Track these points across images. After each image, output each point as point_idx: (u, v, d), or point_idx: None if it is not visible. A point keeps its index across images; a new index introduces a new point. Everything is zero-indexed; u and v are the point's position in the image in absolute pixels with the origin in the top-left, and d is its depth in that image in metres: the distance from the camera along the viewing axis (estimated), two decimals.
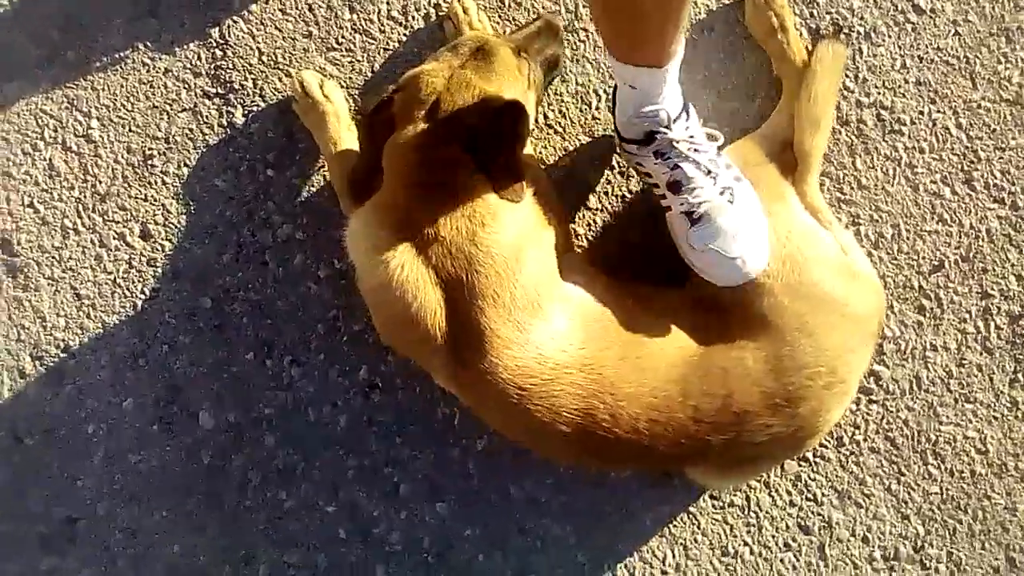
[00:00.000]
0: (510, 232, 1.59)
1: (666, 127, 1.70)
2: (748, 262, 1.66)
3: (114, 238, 1.97)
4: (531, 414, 1.57)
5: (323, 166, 1.93)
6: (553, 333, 1.58)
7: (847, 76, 1.92)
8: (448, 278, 1.56)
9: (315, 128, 1.90)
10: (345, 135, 1.88)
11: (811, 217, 1.76)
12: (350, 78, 1.95)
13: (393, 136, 1.63)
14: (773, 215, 1.70)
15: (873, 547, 1.97)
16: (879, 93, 1.93)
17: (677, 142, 1.72)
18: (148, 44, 1.96)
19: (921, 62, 1.93)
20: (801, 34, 1.91)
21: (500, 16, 1.93)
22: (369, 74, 1.95)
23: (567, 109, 1.95)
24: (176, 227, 1.97)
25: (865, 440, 1.97)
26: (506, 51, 1.68)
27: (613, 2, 1.53)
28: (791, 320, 1.63)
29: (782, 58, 1.88)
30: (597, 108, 1.95)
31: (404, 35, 1.94)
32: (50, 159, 1.97)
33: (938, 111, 1.94)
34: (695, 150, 1.73)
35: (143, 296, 1.98)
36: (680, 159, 1.72)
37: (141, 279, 1.98)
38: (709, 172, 1.72)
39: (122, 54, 1.96)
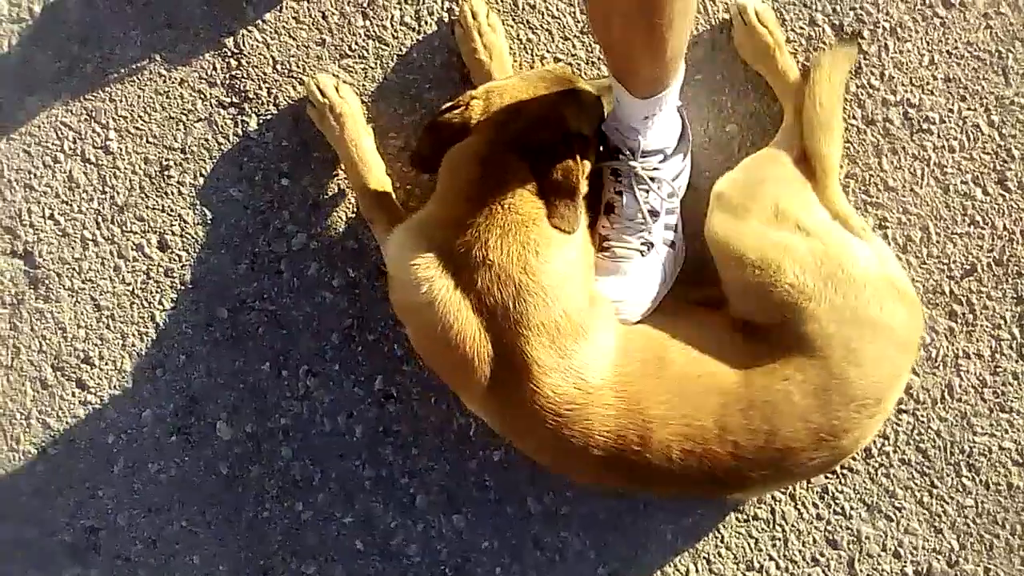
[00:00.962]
0: (561, 261, 1.56)
1: (632, 154, 1.68)
2: (622, 311, 1.67)
3: (132, 249, 1.98)
4: (565, 439, 1.55)
5: (337, 175, 1.92)
6: (593, 357, 1.55)
7: (872, 74, 1.86)
8: (492, 304, 1.52)
9: (331, 132, 1.86)
10: (363, 138, 1.86)
11: (844, 230, 1.70)
12: (364, 84, 1.93)
13: (460, 145, 1.61)
14: (805, 229, 1.63)
15: (905, 562, 1.90)
16: (906, 91, 1.86)
17: (636, 174, 1.69)
18: (164, 55, 1.96)
19: (950, 57, 1.86)
20: (824, 31, 1.86)
21: (514, 19, 1.90)
22: (383, 80, 1.93)
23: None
24: (193, 238, 1.97)
25: (895, 452, 1.90)
26: (588, 95, 1.67)
27: (596, 33, 1.59)
28: (839, 350, 1.55)
29: (777, 76, 1.82)
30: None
31: (417, 40, 1.92)
32: (70, 171, 1.99)
33: (968, 108, 1.87)
34: (647, 192, 1.70)
35: (161, 307, 1.98)
36: (627, 189, 1.71)
37: (159, 290, 1.98)
38: (644, 220, 1.70)
39: (139, 65, 1.96)
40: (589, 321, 1.57)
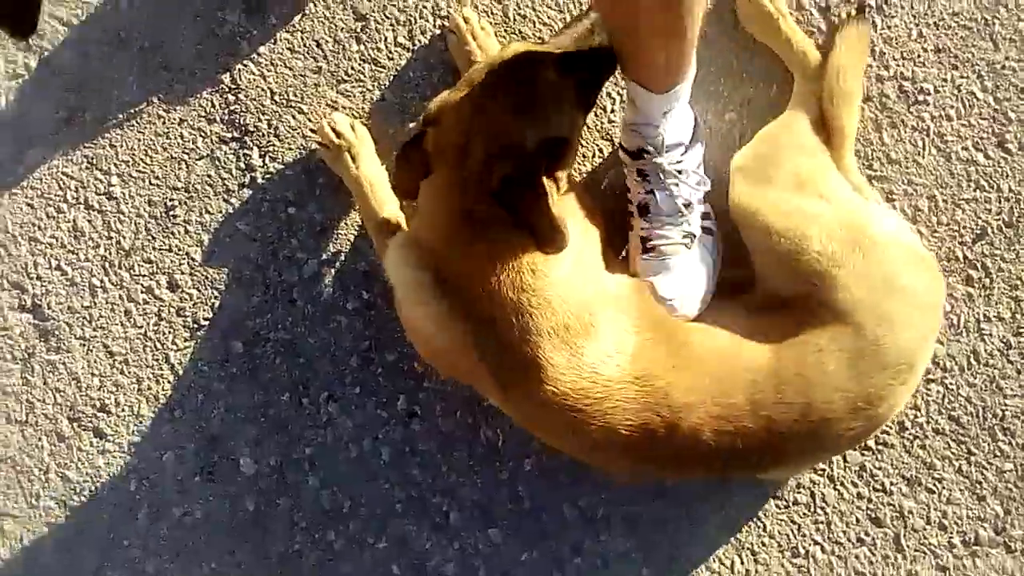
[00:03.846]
0: (561, 268, 1.54)
1: (656, 151, 1.68)
2: (679, 307, 1.67)
3: (142, 292, 1.97)
4: (588, 433, 1.53)
5: (343, 197, 1.91)
6: (606, 349, 1.53)
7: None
8: (496, 321, 1.52)
9: (347, 172, 1.86)
10: (378, 176, 1.85)
11: (864, 197, 1.70)
12: (362, 108, 1.94)
13: (430, 179, 1.57)
14: (828, 196, 1.63)
15: (951, 533, 1.87)
16: (898, 65, 1.89)
17: (663, 170, 1.69)
18: (161, 96, 1.97)
19: (938, 29, 1.89)
20: (812, 14, 1.89)
21: (506, 30, 1.93)
22: (381, 101, 1.94)
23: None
24: (202, 275, 1.96)
25: (928, 422, 1.88)
26: (548, 74, 1.52)
27: (610, 19, 1.54)
28: (871, 315, 1.54)
29: (786, 47, 1.83)
30: (613, 112, 1.92)
31: (412, 59, 1.94)
32: (74, 220, 1.98)
33: (961, 76, 1.89)
34: (677, 184, 1.70)
35: (175, 347, 1.96)
36: (659, 187, 1.71)
37: (171, 330, 1.96)
38: (680, 212, 1.71)
39: (137, 109, 1.97)
40: (601, 313, 1.55)
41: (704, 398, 1.53)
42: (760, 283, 1.67)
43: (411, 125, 1.64)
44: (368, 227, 1.87)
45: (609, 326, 1.55)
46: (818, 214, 1.60)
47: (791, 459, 1.60)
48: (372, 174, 1.85)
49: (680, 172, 1.70)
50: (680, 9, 1.40)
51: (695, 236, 1.73)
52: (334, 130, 1.87)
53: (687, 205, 1.71)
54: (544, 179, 1.50)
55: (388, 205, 1.83)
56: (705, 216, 1.77)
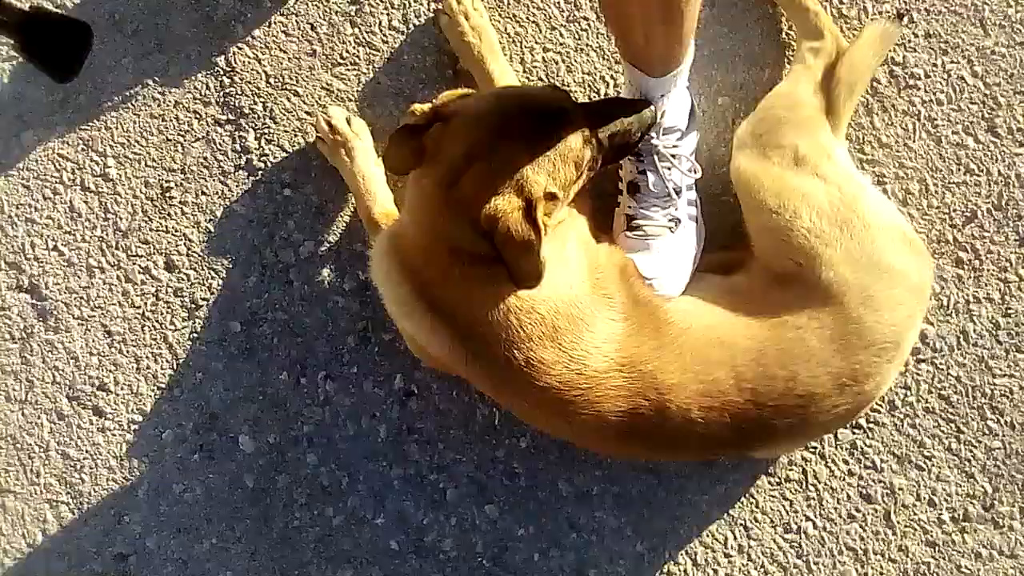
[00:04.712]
0: (548, 279, 1.47)
1: (654, 132, 1.68)
2: (658, 287, 1.68)
3: (139, 272, 1.98)
4: (581, 422, 1.55)
5: (339, 180, 1.92)
6: (594, 341, 1.54)
7: (853, 35, 1.90)
8: (484, 337, 1.51)
9: (342, 165, 1.87)
10: (373, 170, 1.86)
11: (861, 177, 1.73)
12: (357, 90, 1.95)
13: (419, 175, 1.51)
14: (823, 175, 1.65)
15: (941, 510, 1.91)
16: (889, 50, 1.90)
17: (658, 152, 1.71)
18: (157, 79, 1.97)
19: (928, 14, 1.91)
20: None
21: (500, 15, 1.93)
22: (376, 84, 1.95)
23: (576, 99, 1.94)
24: (199, 256, 1.97)
25: (919, 401, 1.91)
26: (575, 137, 1.49)
27: (608, 4, 1.56)
28: (856, 295, 1.56)
29: (798, 8, 1.83)
30: (607, 95, 1.94)
31: (407, 42, 1.95)
32: (70, 201, 1.99)
33: (951, 61, 1.91)
34: (670, 168, 1.72)
35: (173, 327, 1.97)
36: (651, 168, 1.72)
37: (169, 310, 1.97)
38: (669, 196, 1.72)
39: (132, 91, 1.98)
40: (588, 305, 1.56)
41: (689, 376, 1.55)
42: (755, 258, 1.69)
43: (417, 107, 1.55)
44: (361, 218, 1.88)
45: (596, 317, 1.56)
46: (810, 192, 1.63)
47: (781, 436, 1.62)
48: (367, 170, 1.85)
49: (674, 156, 1.72)
50: (681, 2, 1.42)
51: (680, 221, 1.75)
52: (330, 124, 1.87)
53: (676, 190, 1.73)
54: (539, 220, 1.43)
55: (381, 201, 1.84)
56: (692, 204, 1.79)
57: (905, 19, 1.89)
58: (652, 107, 1.61)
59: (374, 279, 1.68)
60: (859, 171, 1.78)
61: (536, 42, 1.94)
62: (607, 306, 1.58)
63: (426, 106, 1.54)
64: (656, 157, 1.71)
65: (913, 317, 1.64)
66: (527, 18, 1.94)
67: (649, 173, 1.73)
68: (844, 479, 1.91)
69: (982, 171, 1.91)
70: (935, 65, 1.91)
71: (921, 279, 1.66)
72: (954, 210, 1.91)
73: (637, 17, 1.49)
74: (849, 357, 1.56)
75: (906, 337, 1.63)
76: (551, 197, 1.46)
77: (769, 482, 1.93)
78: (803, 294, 1.59)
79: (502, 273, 1.44)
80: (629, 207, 1.76)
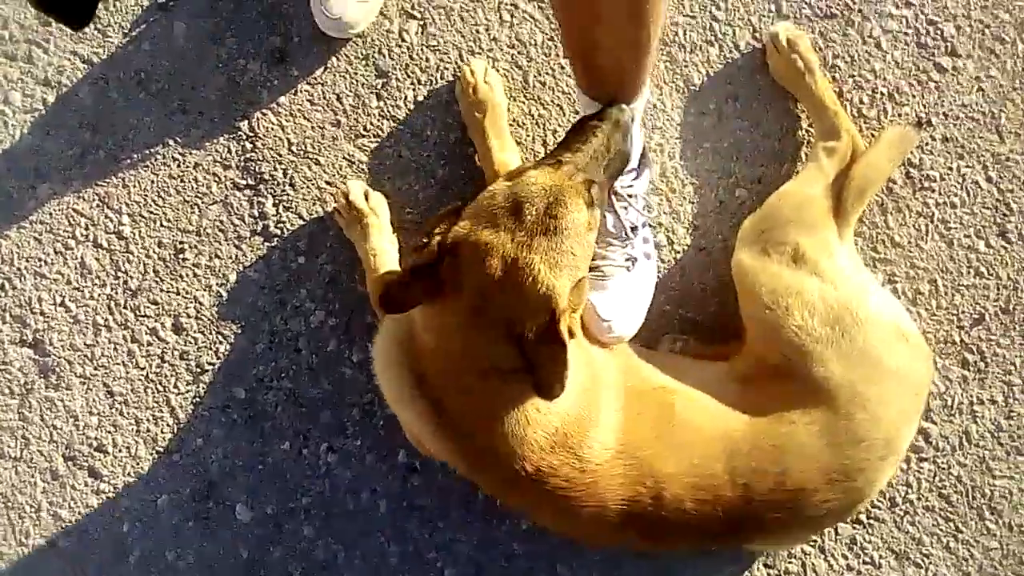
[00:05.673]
0: (560, 402, 1.47)
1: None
2: (615, 328, 1.69)
3: (146, 333, 1.96)
4: (579, 515, 1.55)
5: (354, 251, 1.91)
6: (597, 436, 1.55)
7: (873, 136, 1.93)
8: (495, 450, 1.51)
9: (357, 239, 1.87)
10: (386, 247, 1.86)
11: (865, 275, 1.75)
12: (378, 162, 1.96)
13: (440, 308, 1.46)
14: (820, 274, 1.67)
15: None
16: (906, 155, 1.93)
17: (615, 192, 1.71)
18: (178, 140, 1.98)
19: (947, 119, 1.94)
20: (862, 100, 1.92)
21: (525, 96, 1.95)
22: (397, 157, 1.96)
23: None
24: (208, 319, 1.96)
25: (919, 499, 1.92)
26: (578, 209, 1.45)
27: (568, 30, 1.50)
28: (846, 392, 1.58)
29: (817, 106, 1.86)
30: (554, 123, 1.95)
31: (431, 118, 1.96)
32: (82, 257, 1.98)
33: (967, 166, 1.94)
34: (626, 208, 1.73)
35: (176, 390, 1.95)
36: (608, 208, 1.72)
37: (174, 373, 1.96)
38: (626, 235, 1.73)
39: (152, 150, 1.98)
40: (594, 409, 1.56)
41: (685, 467, 1.55)
42: (750, 350, 1.71)
43: (424, 241, 1.49)
44: (368, 288, 1.87)
45: (601, 411, 1.57)
46: (804, 290, 1.65)
47: (774, 529, 1.62)
48: (380, 247, 1.84)
49: (631, 196, 1.73)
50: (645, 19, 1.38)
51: (636, 260, 1.76)
52: (347, 199, 1.87)
53: (633, 229, 1.74)
54: (563, 331, 1.40)
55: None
56: (647, 241, 1.81)
57: (924, 126, 1.92)
58: (617, 105, 1.53)
59: (377, 374, 1.65)
60: (864, 269, 1.80)
61: (559, 125, 1.95)
62: (609, 396, 1.59)
63: (433, 242, 1.47)
64: (614, 198, 1.71)
65: (906, 413, 1.65)
66: (551, 101, 1.96)
67: (607, 214, 1.72)
68: (843, 574, 1.91)
69: (991, 275, 1.94)
70: (950, 168, 1.94)
71: (917, 376, 1.68)
72: (962, 312, 1.93)
73: (602, 44, 1.45)
74: (839, 453, 1.57)
75: (899, 434, 1.64)
76: (573, 305, 1.43)
77: (768, 574, 1.92)
78: (796, 388, 1.61)
79: (524, 386, 1.44)
80: None
